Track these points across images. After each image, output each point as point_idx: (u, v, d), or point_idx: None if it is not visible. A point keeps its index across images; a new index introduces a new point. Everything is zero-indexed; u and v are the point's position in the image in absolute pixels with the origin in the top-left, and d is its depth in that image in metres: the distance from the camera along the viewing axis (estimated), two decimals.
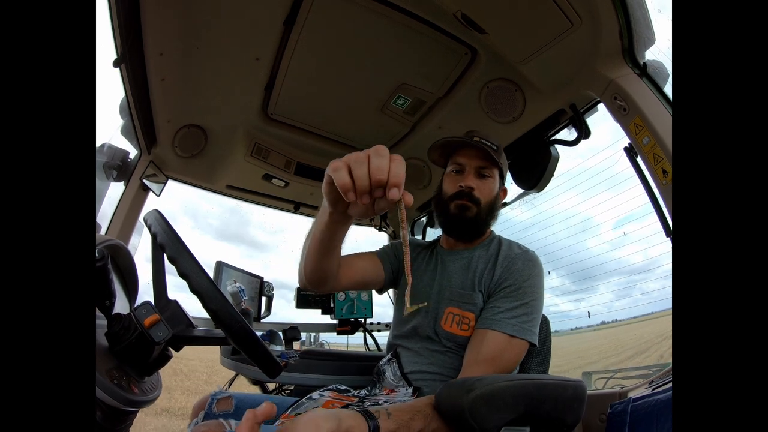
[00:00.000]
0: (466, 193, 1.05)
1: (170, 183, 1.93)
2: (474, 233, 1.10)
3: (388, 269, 1.17)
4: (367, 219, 0.65)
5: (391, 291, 1.26)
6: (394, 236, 2.42)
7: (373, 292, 2.08)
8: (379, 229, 2.42)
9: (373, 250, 1.22)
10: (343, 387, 1.09)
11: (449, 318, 0.99)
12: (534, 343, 0.93)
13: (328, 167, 0.59)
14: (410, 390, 0.97)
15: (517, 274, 0.98)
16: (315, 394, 1.02)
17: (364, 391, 1.07)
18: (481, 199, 1.06)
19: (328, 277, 0.98)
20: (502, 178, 1.12)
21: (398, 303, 1.18)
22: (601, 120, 1.39)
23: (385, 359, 1.10)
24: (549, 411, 0.70)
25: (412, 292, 1.11)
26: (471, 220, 1.06)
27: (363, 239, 2.76)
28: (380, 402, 0.94)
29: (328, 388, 1.07)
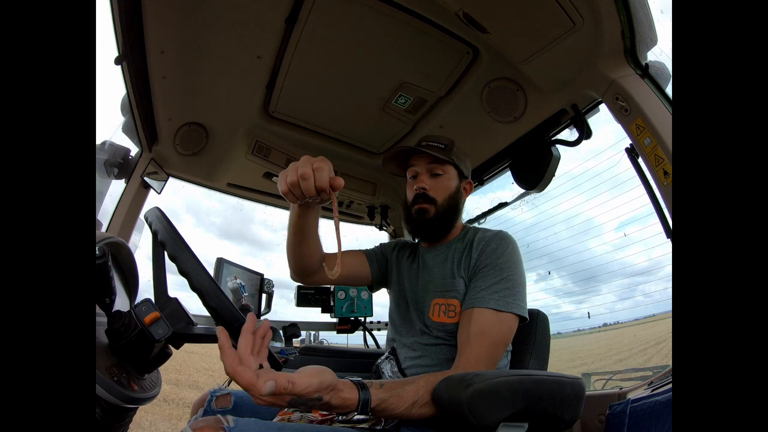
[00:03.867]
0: (420, 195, 1.09)
1: (172, 180, 1.94)
2: (439, 231, 1.12)
3: (375, 267, 1.23)
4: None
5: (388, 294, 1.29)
6: (394, 234, 2.43)
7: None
8: (380, 228, 2.43)
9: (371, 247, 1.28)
10: None
11: (436, 309, 1.02)
12: (523, 315, 0.94)
13: (280, 185, 0.78)
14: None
15: (491, 253, 1.00)
16: None
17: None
18: (437, 197, 1.09)
19: (311, 265, 1.05)
20: (460, 172, 1.15)
21: (391, 301, 1.21)
22: (604, 120, 1.39)
23: (382, 357, 1.11)
24: (547, 407, 0.70)
25: (399, 294, 1.16)
26: (432, 221, 1.09)
27: (364, 238, 2.76)
28: None
29: None
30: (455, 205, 1.12)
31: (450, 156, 1.10)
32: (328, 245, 1.08)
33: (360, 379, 0.69)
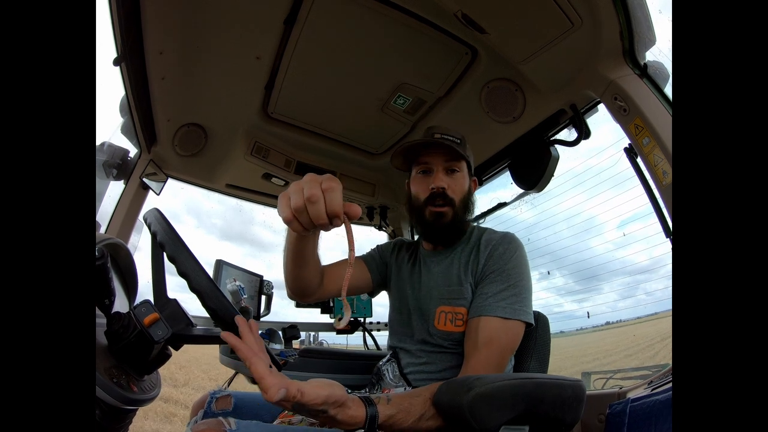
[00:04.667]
0: (439, 194, 1.02)
1: (172, 181, 1.94)
2: (454, 236, 1.08)
3: (375, 272, 1.18)
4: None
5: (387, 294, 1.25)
6: (393, 235, 2.43)
7: None
8: (380, 229, 2.43)
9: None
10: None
11: (441, 317, 0.99)
12: (530, 322, 0.93)
13: (282, 212, 0.63)
14: (409, 389, 0.97)
15: (498, 258, 0.98)
16: None
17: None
18: (455, 197, 1.03)
19: (310, 286, 1.00)
20: (470, 169, 1.10)
21: (391, 306, 1.18)
22: (604, 120, 1.40)
23: (384, 360, 1.10)
24: (548, 410, 0.70)
25: (399, 300, 1.12)
26: (449, 225, 1.04)
27: (363, 238, 2.76)
28: None
29: None
30: (469, 204, 1.07)
31: (465, 152, 1.05)
32: (326, 247, 1.04)
33: (367, 394, 0.68)
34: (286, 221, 0.63)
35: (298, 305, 2.27)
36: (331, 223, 0.61)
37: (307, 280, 0.97)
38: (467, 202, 1.07)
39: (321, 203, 0.59)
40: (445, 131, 1.06)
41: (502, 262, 0.97)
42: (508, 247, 0.99)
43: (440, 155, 1.04)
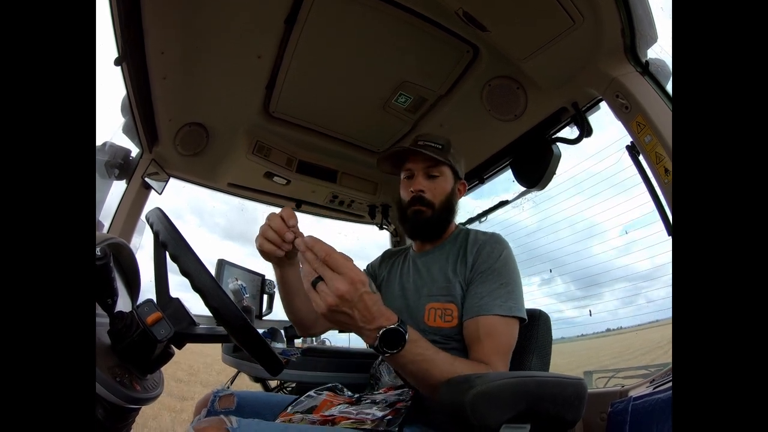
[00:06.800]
0: (418, 198, 1.08)
1: (175, 181, 1.94)
2: (434, 232, 1.12)
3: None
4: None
5: None
6: (395, 233, 2.43)
7: None
8: (381, 227, 2.43)
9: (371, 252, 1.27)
10: (339, 386, 1.10)
11: (431, 313, 1.00)
12: (523, 317, 0.95)
13: (256, 244, 0.85)
14: (407, 389, 0.97)
15: (487, 257, 1.00)
16: (312, 392, 1.02)
17: (363, 393, 1.07)
18: (434, 200, 1.08)
19: (307, 318, 1.03)
20: (456, 173, 1.14)
21: None
22: (605, 120, 1.39)
23: (378, 360, 1.10)
24: (549, 408, 0.70)
25: (388, 302, 1.15)
26: (427, 222, 1.08)
27: (365, 238, 2.76)
28: (378, 400, 0.94)
29: (327, 387, 1.07)
30: (451, 206, 1.11)
31: (447, 157, 1.09)
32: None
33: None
34: (259, 247, 0.83)
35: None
36: (285, 221, 0.80)
37: (302, 311, 1.01)
38: (449, 203, 1.11)
39: (276, 218, 0.81)
40: (429, 138, 1.12)
41: (491, 260, 0.99)
42: (495, 246, 1.01)
43: (421, 161, 1.10)
